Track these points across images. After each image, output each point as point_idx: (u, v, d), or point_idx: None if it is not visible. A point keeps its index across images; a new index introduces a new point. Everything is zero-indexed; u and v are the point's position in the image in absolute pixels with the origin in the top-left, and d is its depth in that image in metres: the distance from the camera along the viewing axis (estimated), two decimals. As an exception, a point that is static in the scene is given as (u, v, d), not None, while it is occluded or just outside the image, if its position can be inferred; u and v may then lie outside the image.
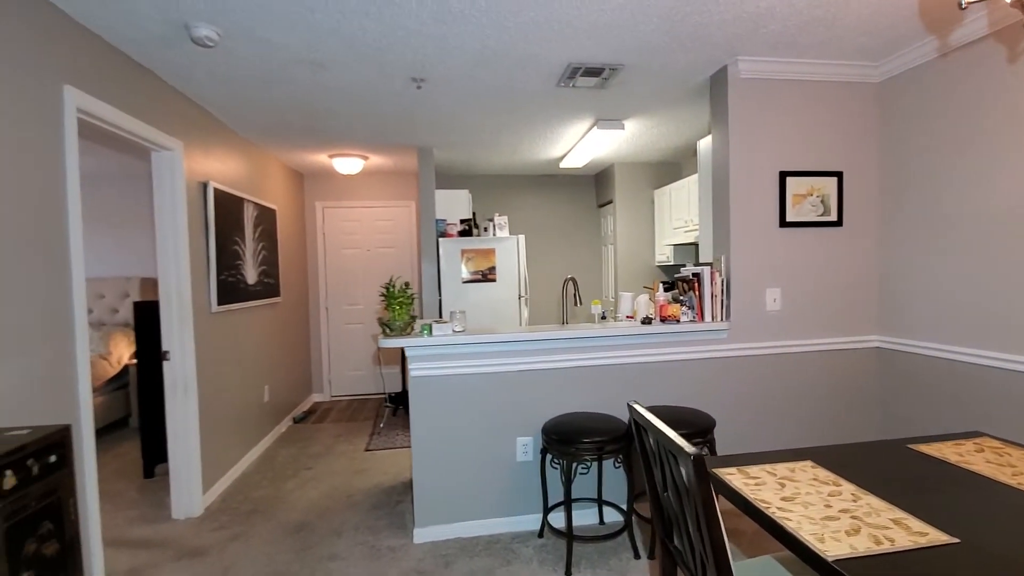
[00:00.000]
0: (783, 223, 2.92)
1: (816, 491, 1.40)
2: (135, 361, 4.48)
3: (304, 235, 5.62)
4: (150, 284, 4.98)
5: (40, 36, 1.97)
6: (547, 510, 2.66)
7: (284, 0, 2.08)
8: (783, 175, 2.91)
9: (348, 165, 4.74)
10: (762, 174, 2.91)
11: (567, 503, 2.39)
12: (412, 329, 2.69)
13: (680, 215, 4.61)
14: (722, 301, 2.90)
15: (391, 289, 2.67)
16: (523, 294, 4.59)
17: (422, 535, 2.68)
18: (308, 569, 2.46)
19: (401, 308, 2.63)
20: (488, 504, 2.74)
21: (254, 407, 4.03)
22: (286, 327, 4.87)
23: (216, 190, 3.37)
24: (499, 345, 2.70)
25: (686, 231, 4.50)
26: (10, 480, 1.43)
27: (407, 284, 2.75)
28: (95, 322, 4.91)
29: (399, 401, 5.30)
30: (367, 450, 4.08)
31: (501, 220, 4.48)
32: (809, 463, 1.60)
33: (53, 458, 1.59)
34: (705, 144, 3.64)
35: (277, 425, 4.54)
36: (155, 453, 3.53)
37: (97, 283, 5.00)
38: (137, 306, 3.39)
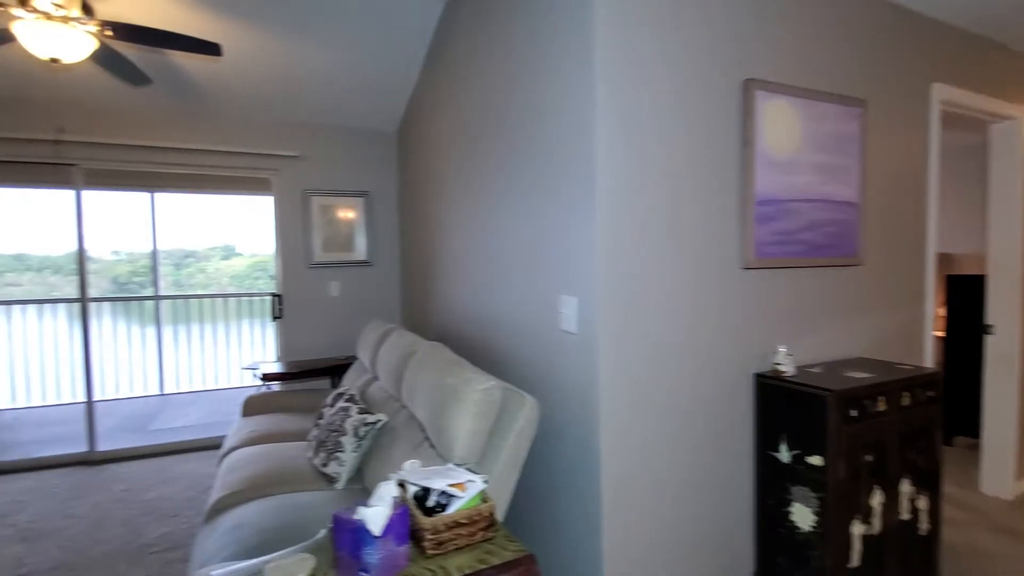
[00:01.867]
0: None
1: None
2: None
3: None
4: (942, 258, 4.99)
5: (914, 43, 2.37)
6: None
7: None
8: None
9: None
10: None
11: None
12: None
13: None
14: None
15: None
16: None
17: None
18: None
19: None
20: None
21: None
22: None
23: (1057, 153, 2.98)
24: None
25: None
26: (906, 399, 1.91)
27: None
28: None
29: None
30: None
31: None
32: None
33: (931, 393, 1.98)
34: None
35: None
36: (956, 424, 3.61)
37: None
38: (950, 279, 3.52)
